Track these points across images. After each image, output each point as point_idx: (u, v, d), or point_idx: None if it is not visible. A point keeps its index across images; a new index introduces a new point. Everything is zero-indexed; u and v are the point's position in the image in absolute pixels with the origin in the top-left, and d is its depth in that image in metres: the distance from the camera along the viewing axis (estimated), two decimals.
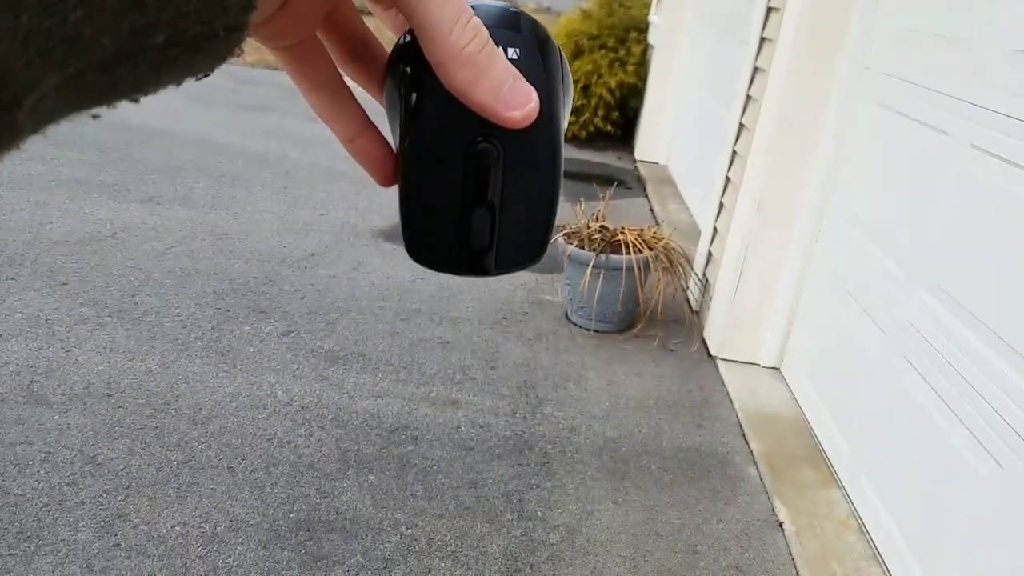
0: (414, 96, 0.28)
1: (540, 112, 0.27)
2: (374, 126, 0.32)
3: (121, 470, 2.03)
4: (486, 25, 0.26)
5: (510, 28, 0.28)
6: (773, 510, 2.17)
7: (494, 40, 0.26)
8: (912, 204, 2.12)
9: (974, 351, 1.72)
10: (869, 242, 2.34)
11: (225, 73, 7.16)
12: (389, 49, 0.31)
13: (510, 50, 0.27)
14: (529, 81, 0.27)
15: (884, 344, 2.13)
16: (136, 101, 0.20)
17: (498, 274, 0.31)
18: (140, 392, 2.36)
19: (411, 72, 0.28)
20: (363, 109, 0.32)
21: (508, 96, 0.26)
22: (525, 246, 0.31)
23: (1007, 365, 1.60)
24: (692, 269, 3.45)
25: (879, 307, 2.21)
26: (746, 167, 3.01)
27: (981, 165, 1.80)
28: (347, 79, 0.32)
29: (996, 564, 1.54)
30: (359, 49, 0.32)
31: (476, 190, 0.29)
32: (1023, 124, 1.67)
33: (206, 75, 0.20)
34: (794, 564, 1.97)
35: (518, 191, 0.29)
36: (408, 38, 0.28)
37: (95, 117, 0.19)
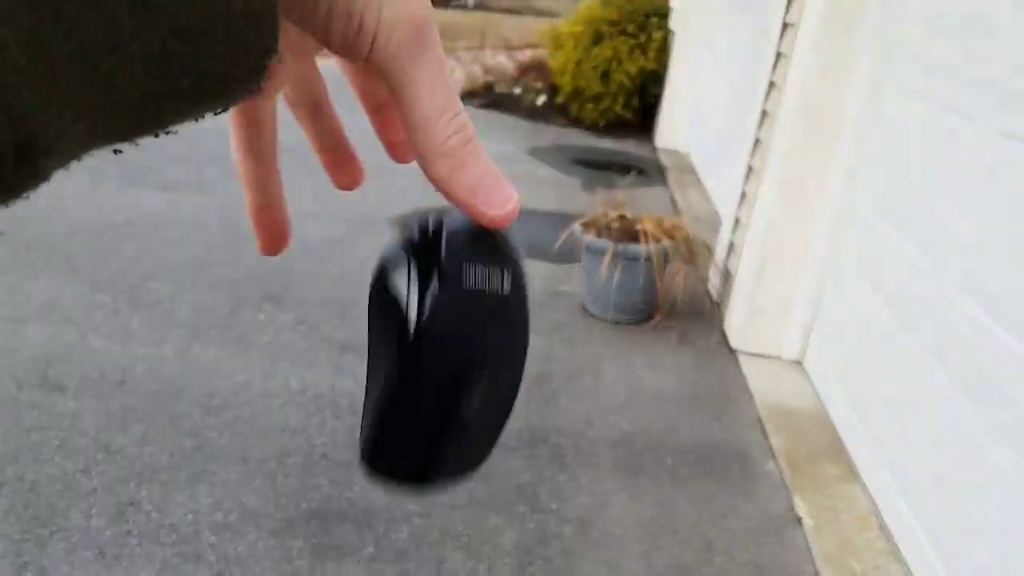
0: (419, 318, 0.28)
1: (523, 340, 0.30)
2: (284, 203, 0.33)
3: (134, 457, 2.03)
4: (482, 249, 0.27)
5: (500, 255, 0.29)
6: (792, 505, 2.13)
7: (488, 263, 0.27)
8: (939, 193, 2.05)
9: (1004, 346, 1.66)
10: (895, 232, 2.27)
11: None
12: (342, 112, 0.32)
13: (505, 277, 0.28)
14: (515, 321, 0.29)
15: (910, 338, 2.07)
16: (157, 136, 0.20)
17: (442, 487, 0.32)
18: (154, 379, 2.35)
19: (418, 295, 0.28)
20: (282, 184, 0.33)
21: (487, 194, 0.26)
22: (476, 457, 0.32)
23: None
24: (713, 259, 3.39)
25: (905, 300, 2.14)
26: (768, 155, 2.94)
27: (1010, 151, 1.73)
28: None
29: (1021, 562, 1.49)
30: (314, 112, 0.33)
31: (454, 409, 0.29)
32: None
33: (225, 111, 0.22)
34: (812, 560, 1.93)
35: (488, 410, 0.31)
36: (399, 251, 0.28)
37: (117, 152, 0.20)
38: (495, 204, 0.26)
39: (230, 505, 1.90)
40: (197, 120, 0.21)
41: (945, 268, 1.95)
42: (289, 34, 0.23)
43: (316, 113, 0.33)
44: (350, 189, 0.35)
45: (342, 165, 0.34)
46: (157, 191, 3.83)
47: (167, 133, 0.21)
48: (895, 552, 1.96)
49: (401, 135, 0.31)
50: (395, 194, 4.23)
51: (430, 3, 0.24)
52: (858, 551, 1.97)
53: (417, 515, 1.94)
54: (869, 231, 2.48)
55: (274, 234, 0.32)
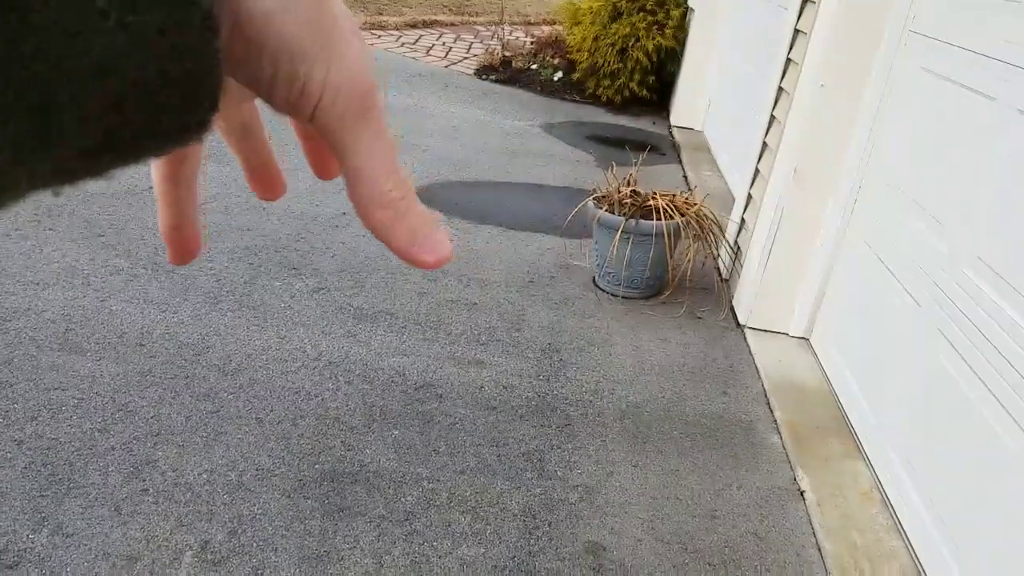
0: None
1: None
2: (197, 219, 0.34)
3: (151, 418, 2.08)
4: None
5: None
6: (795, 479, 2.15)
7: None
8: (955, 172, 2.04)
9: (1012, 325, 1.66)
10: (908, 211, 2.26)
11: None
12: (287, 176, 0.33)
13: None
14: None
15: (918, 316, 2.07)
16: (112, 177, 0.22)
17: None
18: (172, 343, 2.41)
19: None
20: (196, 202, 0.34)
21: (423, 242, 0.27)
22: None
23: None
24: (724, 236, 3.39)
25: (915, 278, 2.14)
26: (784, 132, 2.93)
27: None
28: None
29: (1020, 549, 1.51)
30: (243, 136, 0.34)
31: None
32: None
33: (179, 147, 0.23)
34: (814, 533, 1.96)
35: None
36: None
37: (57, 195, 0.21)
38: (431, 250, 0.28)
39: (244, 465, 1.95)
40: (158, 156, 0.23)
41: (960, 247, 1.95)
42: (231, 87, 0.24)
43: (245, 137, 0.34)
44: (271, 201, 0.36)
45: (265, 183, 0.35)
46: None
47: (122, 169, 0.22)
48: (897, 528, 1.99)
49: (330, 160, 0.32)
50: (412, 165, 4.25)
51: (373, 68, 0.26)
52: (860, 525, 2.00)
53: (426, 479, 1.99)
54: (882, 210, 2.47)
55: (183, 249, 0.34)
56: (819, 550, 1.91)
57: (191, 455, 1.97)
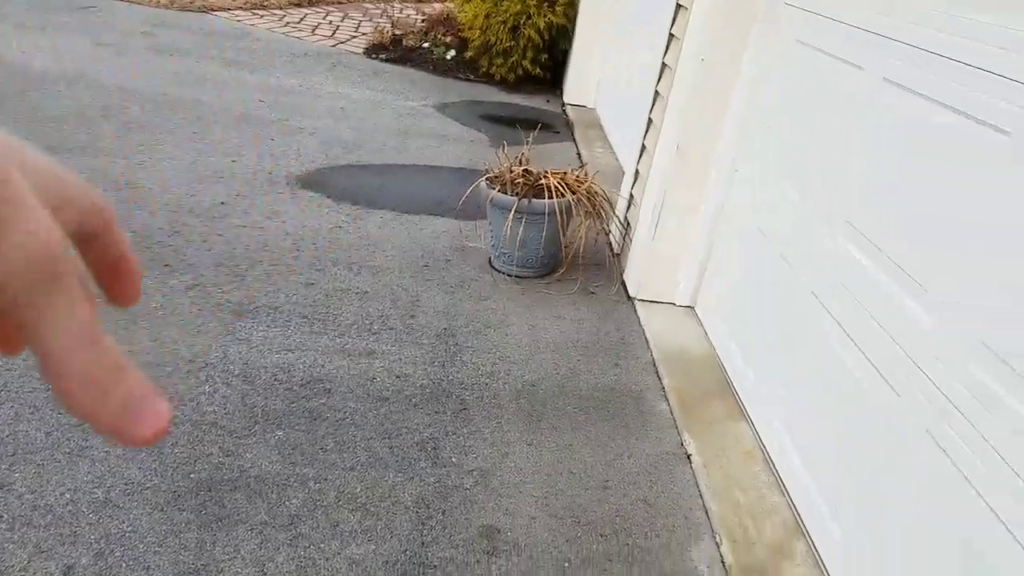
0: None
1: None
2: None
3: (6, 436, 1.91)
4: None
5: None
6: (682, 443, 2.21)
7: None
8: (827, 140, 2.12)
9: (875, 283, 1.75)
10: (782, 180, 2.35)
11: (138, 15, 6.69)
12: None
13: None
14: None
15: (794, 281, 2.16)
16: None
17: None
18: (28, 353, 2.21)
19: None
20: None
21: (136, 416, 0.24)
22: None
23: (906, 295, 1.63)
24: (614, 212, 3.43)
25: (789, 245, 2.23)
26: (667, 108, 2.98)
27: (893, 98, 1.79)
28: None
29: (890, 486, 1.60)
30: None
31: None
32: (931, 56, 1.66)
33: None
34: (701, 495, 2.02)
35: None
36: None
37: None
38: (147, 424, 0.24)
39: (112, 481, 1.82)
40: None
41: (829, 212, 2.03)
42: None
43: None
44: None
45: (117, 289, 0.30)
46: (40, 153, 3.55)
47: None
48: (778, 484, 2.08)
49: (16, 334, 0.27)
50: (292, 153, 4.08)
51: (60, 229, 0.22)
52: (743, 484, 2.08)
53: (313, 479, 1.92)
54: (760, 180, 2.55)
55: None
56: (706, 512, 1.97)
57: (52, 474, 1.82)
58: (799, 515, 1.95)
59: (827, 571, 1.79)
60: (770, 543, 1.87)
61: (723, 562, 1.82)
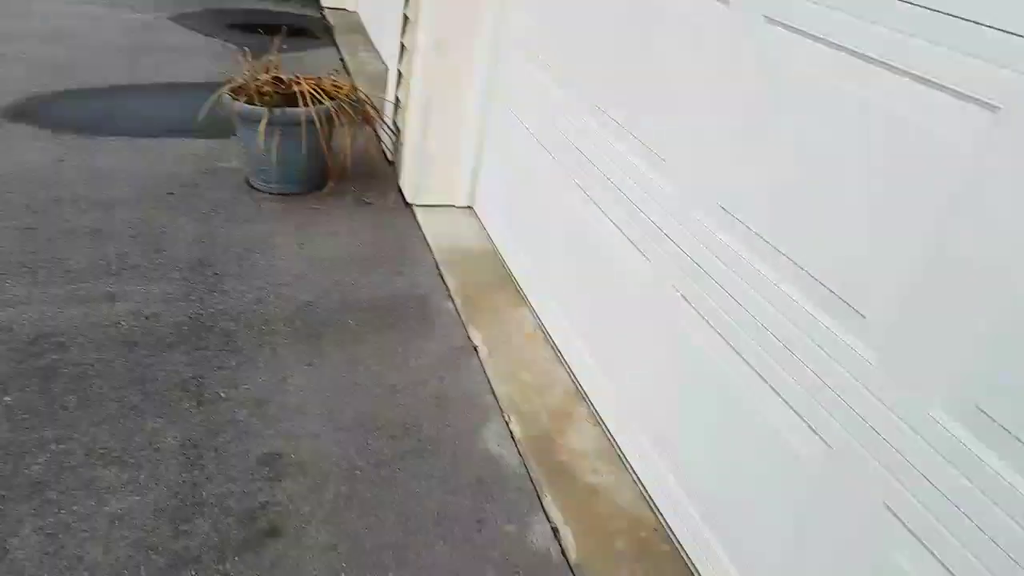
0: None
1: None
2: None
3: None
4: None
5: None
6: (468, 336, 2.23)
7: None
8: (572, 25, 2.12)
9: (619, 156, 1.81)
10: (537, 70, 2.34)
11: None
12: None
13: None
14: None
15: (556, 169, 2.19)
16: None
17: None
18: None
19: None
20: None
21: None
22: None
23: (646, 165, 1.70)
24: (382, 118, 3.28)
25: (547, 132, 2.25)
26: (422, 3, 2.83)
27: None
28: None
29: (652, 340, 1.71)
30: None
31: None
32: None
33: None
34: (488, 381, 2.06)
35: None
36: None
37: None
38: None
39: None
40: None
41: (576, 96, 2.05)
42: None
43: None
44: None
45: None
46: None
47: None
48: (558, 358, 2.17)
49: None
50: (3, 78, 3.39)
51: None
52: (528, 364, 2.15)
53: (54, 440, 1.67)
54: (515, 71, 2.53)
55: None
56: (494, 395, 2.02)
57: None
58: (578, 381, 2.06)
59: (604, 423, 1.92)
60: (554, 411, 1.97)
61: (513, 437, 1.88)
